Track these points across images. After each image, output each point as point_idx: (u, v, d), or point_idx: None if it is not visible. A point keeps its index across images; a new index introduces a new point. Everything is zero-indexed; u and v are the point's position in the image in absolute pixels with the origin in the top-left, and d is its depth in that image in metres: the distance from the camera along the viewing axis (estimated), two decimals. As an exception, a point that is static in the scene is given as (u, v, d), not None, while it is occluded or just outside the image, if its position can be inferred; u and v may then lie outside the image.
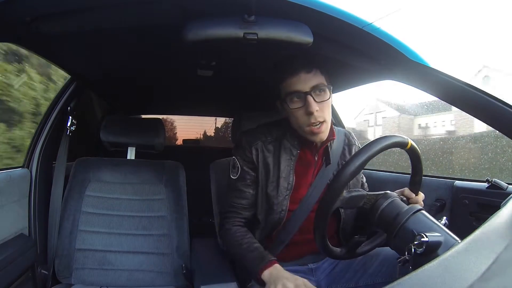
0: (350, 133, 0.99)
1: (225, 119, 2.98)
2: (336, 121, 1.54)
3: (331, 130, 0.86)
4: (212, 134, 3.35)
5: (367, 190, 1.01)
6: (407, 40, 0.76)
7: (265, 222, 0.89)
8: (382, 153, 0.66)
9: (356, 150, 0.95)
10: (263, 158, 0.87)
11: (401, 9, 0.70)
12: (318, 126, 0.79)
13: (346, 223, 0.91)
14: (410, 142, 0.68)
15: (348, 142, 0.95)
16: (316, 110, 0.77)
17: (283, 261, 0.89)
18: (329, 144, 0.89)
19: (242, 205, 0.89)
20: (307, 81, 0.79)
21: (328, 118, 0.82)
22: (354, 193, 0.67)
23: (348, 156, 0.93)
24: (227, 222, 0.90)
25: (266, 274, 0.74)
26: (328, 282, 0.91)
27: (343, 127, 1.54)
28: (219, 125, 3.24)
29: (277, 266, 0.76)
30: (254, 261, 0.78)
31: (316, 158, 0.88)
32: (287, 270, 0.80)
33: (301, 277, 0.75)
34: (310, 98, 0.77)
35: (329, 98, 0.81)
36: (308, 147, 0.87)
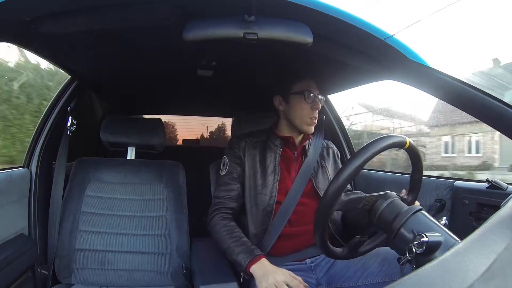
0: (328, 141, 1.18)
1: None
2: (337, 122, 1.54)
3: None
4: (212, 134, 3.35)
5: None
6: (407, 39, 0.76)
7: (256, 209, 0.97)
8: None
9: (335, 153, 1.12)
10: (249, 153, 1.03)
11: (419, 21, 0.71)
12: (315, 119, 1.01)
13: (334, 219, 1.01)
14: (408, 141, 0.67)
15: (326, 146, 1.14)
16: (319, 108, 1.00)
17: (281, 255, 0.95)
18: (306, 144, 1.06)
19: (230, 196, 1.01)
20: (315, 88, 1.02)
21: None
22: (352, 196, 0.67)
23: (326, 157, 1.10)
24: (215, 215, 0.99)
25: (253, 268, 0.82)
26: (328, 281, 0.92)
27: (344, 129, 1.54)
28: (219, 125, 3.24)
29: (263, 260, 0.83)
30: (242, 255, 0.85)
31: (295, 155, 1.04)
32: (287, 268, 0.82)
33: (302, 275, 0.77)
34: (317, 99, 1.00)
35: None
36: (288, 146, 1.04)
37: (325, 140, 1.15)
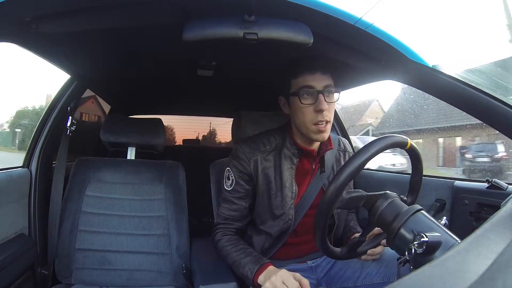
0: (345, 141, 1.03)
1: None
2: (338, 124, 1.54)
3: (329, 138, 0.88)
4: (212, 134, 3.35)
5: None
6: (407, 39, 0.76)
7: (273, 230, 0.89)
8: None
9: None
10: (262, 169, 0.87)
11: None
12: (323, 124, 0.81)
13: (339, 224, 0.94)
14: (410, 142, 0.67)
15: (344, 148, 1.00)
16: (326, 109, 0.80)
17: (283, 259, 0.92)
18: (325, 154, 0.91)
19: (234, 217, 0.91)
20: (321, 80, 0.81)
21: (332, 119, 0.84)
22: (353, 194, 0.67)
23: (342, 162, 0.96)
24: (218, 232, 0.91)
25: (261, 278, 0.76)
26: (328, 281, 0.92)
27: (344, 129, 1.54)
28: (219, 125, 3.24)
29: (270, 267, 0.77)
30: (248, 266, 0.79)
31: (313, 167, 0.90)
32: (287, 268, 0.81)
33: (302, 275, 0.76)
34: (321, 97, 0.80)
35: (336, 101, 0.84)
36: (306, 156, 0.89)
37: (343, 140, 1.02)
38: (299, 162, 0.88)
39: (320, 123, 0.80)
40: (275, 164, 0.87)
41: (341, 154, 0.98)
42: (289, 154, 0.87)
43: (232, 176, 0.89)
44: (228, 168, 0.91)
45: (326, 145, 0.88)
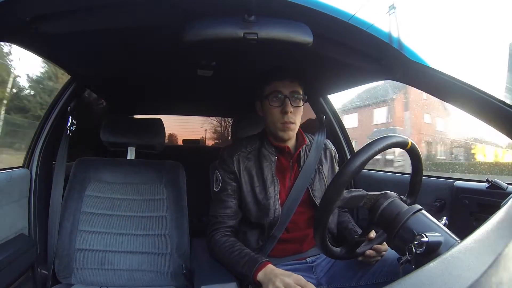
0: (328, 141, 1.09)
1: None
2: (337, 122, 1.54)
3: (302, 136, 0.99)
4: (212, 134, 3.35)
5: None
6: (407, 39, 0.77)
7: (260, 223, 0.93)
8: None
9: (332, 155, 1.05)
10: (244, 166, 0.96)
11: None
12: (288, 124, 0.91)
13: (330, 221, 0.96)
14: (410, 142, 0.68)
15: (324, 147, 1.05)
16: (290, 111, 0.90)
17: (281, 256, 0.94)
18: (301, 150, 0.99)
19: (227, 214, 0.95)
20: (289, 87, 0.92)
21: (298, 122, 0.94)
22: (354, 193, 0.67)
23: (324, 161, 1.03)
24: (214, 234, 0.93)
25: (260, 275, 0.77)
26: (329, 281, 0.92)
27: (344, 129, 1.54)
28: (218, 125, 3.24)
29: (270, 265, 0.79)
30: (247, 265, 0.81)
31: (291, 163, 0.97)
32: (286, 267, 0.82)
33: (302, 275, 0.76)
34: (287, 101, 0.91)
35: (301, 106, 0.95)
36: (283, 154, 0.97)
37: (327, 141, 1.09)
38: (278, 160, 0.96)
39: (285, 123, 0.91)
40: (256, 162, 0.96)
41: (322, 152, 1.03)
42: (267, 153, 0.97)
43: (219, 177, 0.98)
44: (216, 171, 1.00)
45: (300, 143, 0.98)
